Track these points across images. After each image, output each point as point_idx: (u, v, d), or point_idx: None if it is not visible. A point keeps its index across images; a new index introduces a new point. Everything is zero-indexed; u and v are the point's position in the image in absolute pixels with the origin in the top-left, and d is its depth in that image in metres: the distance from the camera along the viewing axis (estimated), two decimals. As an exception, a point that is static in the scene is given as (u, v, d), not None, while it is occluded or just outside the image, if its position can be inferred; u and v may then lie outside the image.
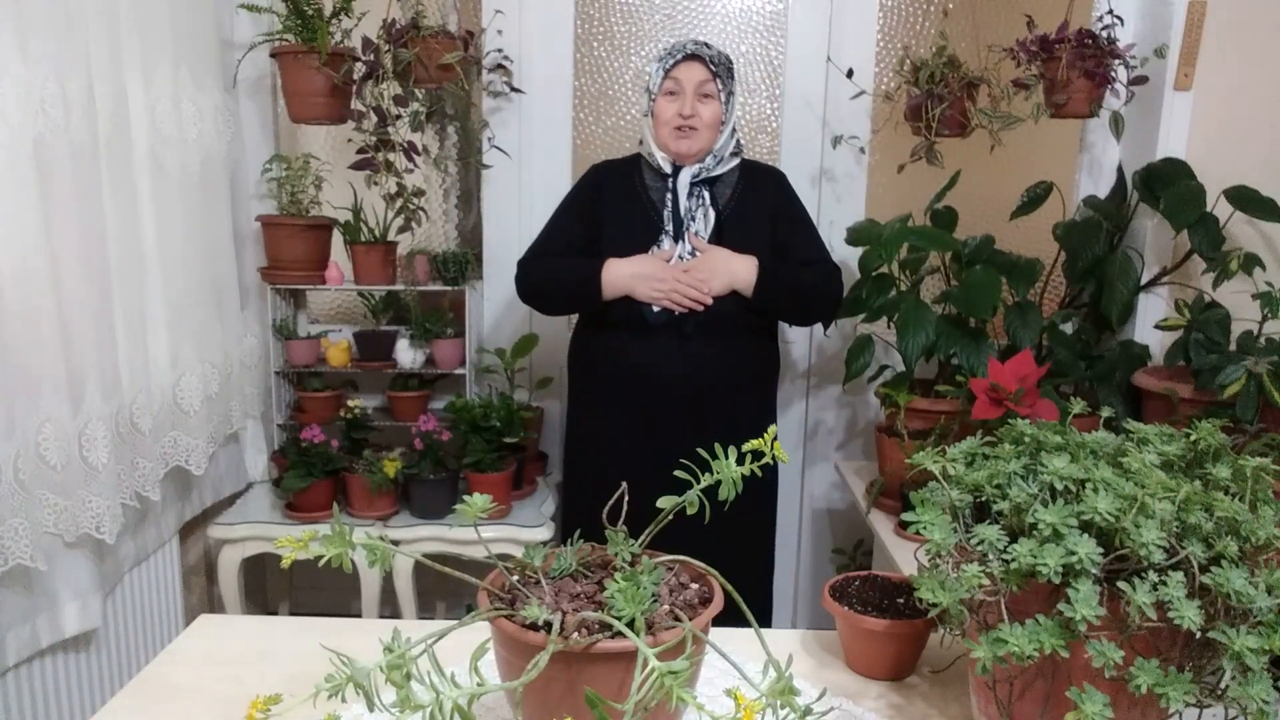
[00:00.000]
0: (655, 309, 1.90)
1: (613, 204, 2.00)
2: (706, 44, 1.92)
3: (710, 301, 1.88)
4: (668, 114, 1.90)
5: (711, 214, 1.95)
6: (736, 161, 2.00)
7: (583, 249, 1.98)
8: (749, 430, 2.07)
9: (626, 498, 0.81)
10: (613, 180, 2.03)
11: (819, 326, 2.39)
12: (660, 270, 1.88)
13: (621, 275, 1.89)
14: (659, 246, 1.94)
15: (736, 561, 1.99)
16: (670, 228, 1.94)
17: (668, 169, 1.95)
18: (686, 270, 1.88)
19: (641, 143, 2.04)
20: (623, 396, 1.97)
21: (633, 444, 1.95)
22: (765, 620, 2.18)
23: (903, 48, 2.36)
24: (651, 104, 1.94)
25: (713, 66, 1.90)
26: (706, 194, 1.96)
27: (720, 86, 1.92)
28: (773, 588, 2.22)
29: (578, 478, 2.11)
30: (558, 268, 1.97)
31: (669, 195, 1.95)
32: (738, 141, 2.01)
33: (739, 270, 1.89)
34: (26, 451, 1.49)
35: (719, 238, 1.95)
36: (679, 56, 1.90)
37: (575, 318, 2.14)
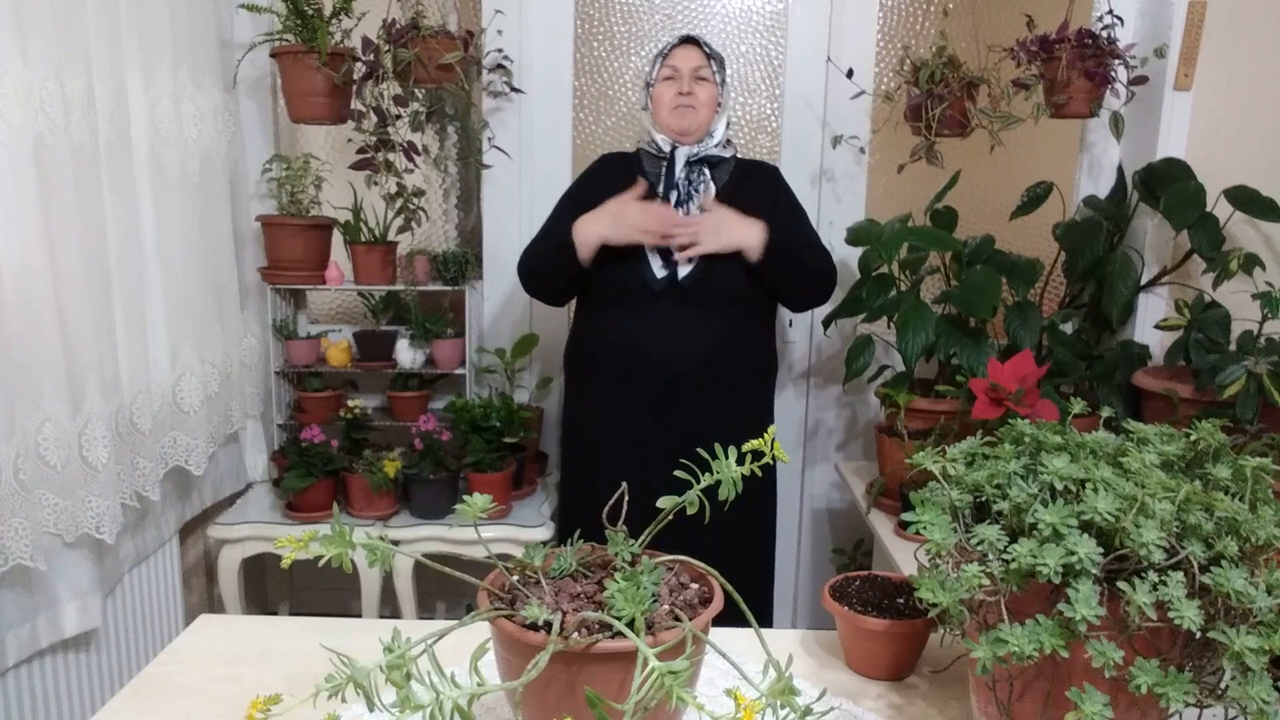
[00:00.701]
0: (659, 274, 1.90)
1: (612, 188, 2.01)
2: (700, 35, 2.00)
3: (692, 239, 1.86)
4: (667, 96, 1.96)
5: (713, 188, 1.98)
6: (732, 152, 2.03)
7: None
8: (746, 416, 2.05)
9: (626, 497, 0.81)
10: (614, 168, 2.07)
11: (819, 326, 2.39)
12: (619, 206, 1.88)
13: (589, 227, 1.90)
14: None
15: (736, 561, 1.99)
16: (670, 198, 1.95)
17: (667, 148, 1.98)
18: (692, 224, 1.88)
19: (640, 140, 2.06)
20: (619, 378, 1.96)
21: (629, 428, 1.95)
22: (765, 620, 2.18)
23: (903, 48, 2.36)
24: (650, 91, 2.00)
25: (707, 49, 1.98)
26: (708, 172, 1.99)
27: (714, 69, 1.98)
28: (773, 587, 2.21)
29: (573, 463, 2.11)
30: (542, 245, 2.00)
31: (664, 166, 1.98)
32: (729, 143, 2.04)
33: (747, 230, 1.89)
34: (26, 451, 1.49)
35: None
36: (675, 42, 1.98)
37: (575, 310, 2.14)
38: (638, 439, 1.94)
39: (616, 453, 1.96)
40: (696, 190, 1.97)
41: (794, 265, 1.95)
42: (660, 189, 1.97)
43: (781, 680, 0.65)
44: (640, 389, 1.94)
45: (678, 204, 1.96)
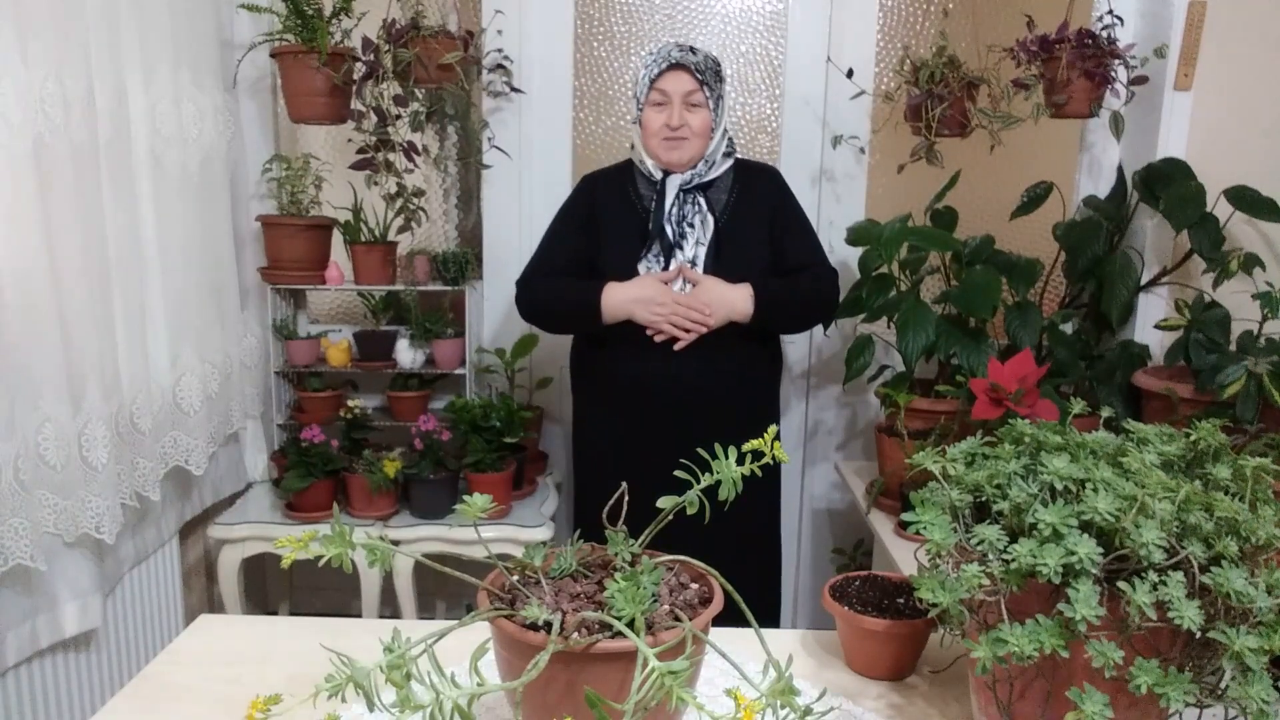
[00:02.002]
0: (654, 337, 1.88)
1: (608, 214, 1.98)
2: (691, 49, 1.87)
3: (713, 324, 1.85)
4: (656, 124, 1.88)
5: (710, 220, 1.93)
6: (730, 163, 1.97)
7: (583, 262, 1.96)
8: (754, 426, 2.06)
9: (627, 499, 0.81)
10: (607, 189, 2.00)
11: (819, 326, 2.39)
12: (660, 294, 1.85)
13: (621, 300, 1.86)
14: (648, 254, 1.92)
15: (743, 563, 1.98)
16: (668, 235, 1.91)
17: (658, 175, 1.92)
18: (699, 308, 1.85)
19: (633, 148, 2.01)
20: (626, 406, 1.95)
21: (640, 452, 1.92)
22: (774, 620, 2.17)
23: (903, 48, 2.36)
24: (639, 112, 1.91)
25: (699, 75, 1.86)
26: (702, 200, 1.93)
27: (708, 94, 1.87)
28: (780, 588, 2.21)
29: (586, 476, 2.10)
30: (557, 290, 1.94)
31: (655, 196, 1.93)
32: (730, 141, 1.98)
33: (735, 301, 1.87)
34: (26, 451, 1.49)
35: (717, 245, 1.92)
36: (663, 66, 1.86)
37: None
38: (649, 453, 1.91)
39: (628, 464, 1.94)
40: (691, 225, 1.92)
41: (788, 309, 1.94)
42: (652, 226, 1.92)
43: (781, 680, 0.65)
44: (648, 409, 1.93)
45: (676, 243, 1.91)
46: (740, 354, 1.96)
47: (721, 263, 1.91)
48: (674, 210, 1.92)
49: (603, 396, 2.01)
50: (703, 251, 1.92)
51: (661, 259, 1.92)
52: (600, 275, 1.92)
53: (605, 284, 1.88)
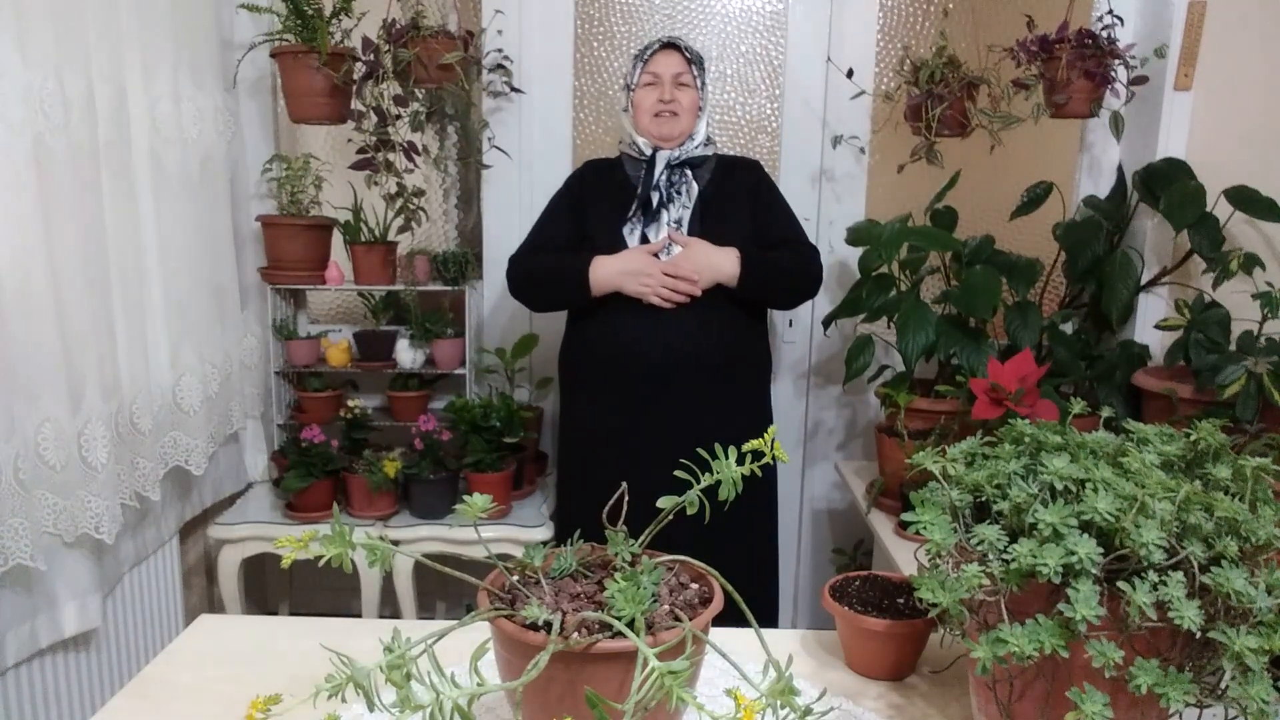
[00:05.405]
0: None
1: (597, 191, 2.06)
2: (679, 38, 2.02)
3: (698, 293, 1.91)
4: (649, 102, 1.98)
5: (695, 189, 2.00)
6: (713, 151, 2.06)
7: (573, 242, 2.03)
8: (742, 414, 2.06)
9: (626, 498, 0.81)
10: (598, 173, 2.10)
11: (819, 326, 2.39)
12: (647, 265, 1.90)
13: (609, 273, 1.92)
14: (632, 219, 1.97)
15: (739, 561, 1.99)
16: (652, 203, 1.97)
17: (648, 152, 1.99)
18: (685, 271, 1.90)
19: (621, 141, 2.08)
20: (613, 378, 1.97)
21: (624, 427, 1.96)
22: (772, 619, 2.18)
23: (903, 48, 2.36)
24: (631, 96, 2.02)
25: (687, 55, 1.99)
26: (689, 173, 2.01)
27: (695, 74, 2.00)
28: (779, 587, 2.21)
29: (569, 463, 2.12)
30: (547, 265, 2.00)
31: (645, 169, 2.00)
32: (710, 137, 2.06)
33: (722, 263, 1.92)
34: (26, 451, 1.49)
35: (701, 214, 1.98)
36: (655, 47, 1.99)
37: (567, 311, 2.14)
38: (633, 438, 1.94)
39: (612, 452, 1.97)
40: (679, 192, 1.99)
41: (773, 277, 1.97)
42: (640, 191, 1.98)
43: (781, 680, 0.65)
44: (634, 389, 1.95)
45: (659, 205, 1.97)
46: (729, 326, 1.99)
47: (705, 229, 1.98)
48: (662, 179, 1.99)
49: (591, 368, 2.03)
50: (688, 215, 1.99)
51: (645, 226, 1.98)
52: (589, 246, 1.97)
53: (594, 257, 1.93)
